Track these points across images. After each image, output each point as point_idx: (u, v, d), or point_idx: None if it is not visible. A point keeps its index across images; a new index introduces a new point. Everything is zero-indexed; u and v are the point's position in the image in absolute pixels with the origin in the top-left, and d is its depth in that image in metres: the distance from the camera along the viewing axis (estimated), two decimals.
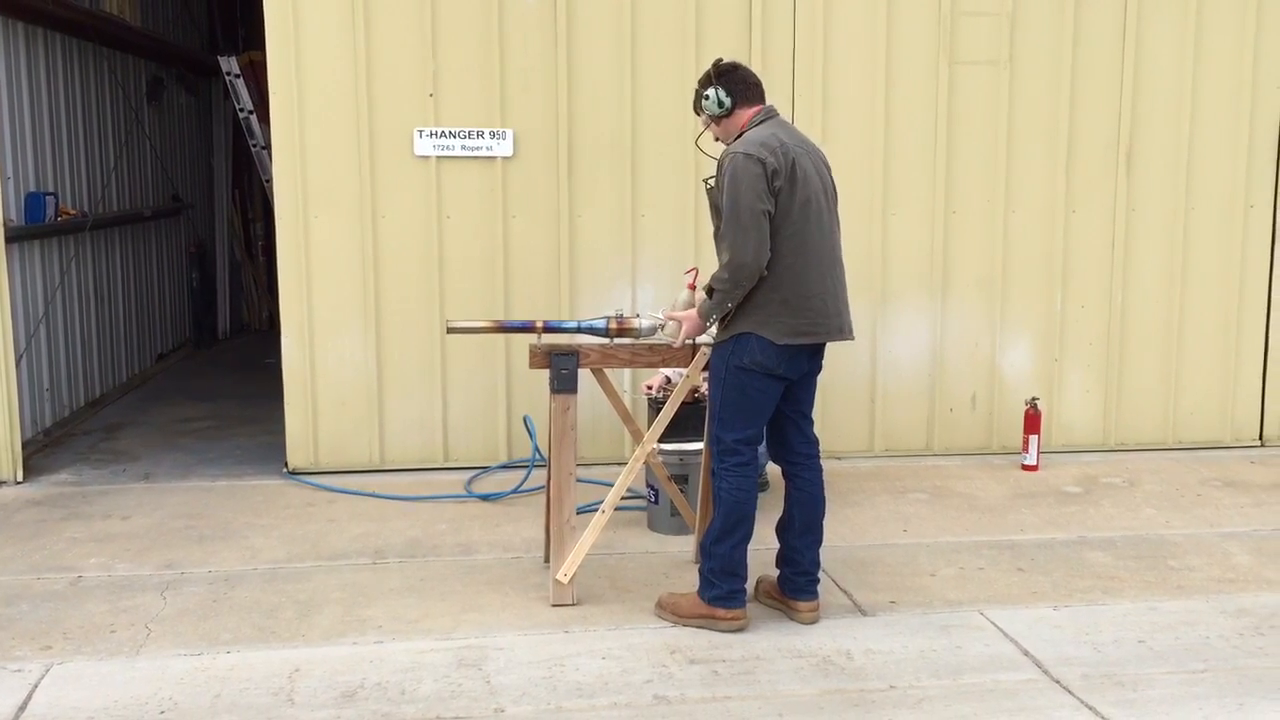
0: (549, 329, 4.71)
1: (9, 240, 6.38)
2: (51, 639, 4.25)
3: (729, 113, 4.30)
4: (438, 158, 6.29)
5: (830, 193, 4.34)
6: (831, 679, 3.96)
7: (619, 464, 5.97)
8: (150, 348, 9.42)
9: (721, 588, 4.31)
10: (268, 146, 8.50)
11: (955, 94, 6.61)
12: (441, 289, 6.37)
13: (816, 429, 4.54)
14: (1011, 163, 6.69)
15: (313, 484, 6.22)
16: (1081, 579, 4.91)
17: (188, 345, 10.45)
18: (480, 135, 6.30)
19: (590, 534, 4.57)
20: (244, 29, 11.49)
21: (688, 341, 4.52)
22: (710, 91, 4.29)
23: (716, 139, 4.43)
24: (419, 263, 6.35)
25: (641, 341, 4.65)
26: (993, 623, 4.44)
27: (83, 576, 4.89)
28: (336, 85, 6.18)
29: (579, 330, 4.70)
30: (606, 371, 4.79)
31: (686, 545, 5.19)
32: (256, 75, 9.22)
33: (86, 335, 7.92)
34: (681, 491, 5.17)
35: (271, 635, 4.30)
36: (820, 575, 4.50)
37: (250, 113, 9.58)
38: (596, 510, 4.66)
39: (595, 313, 6.23)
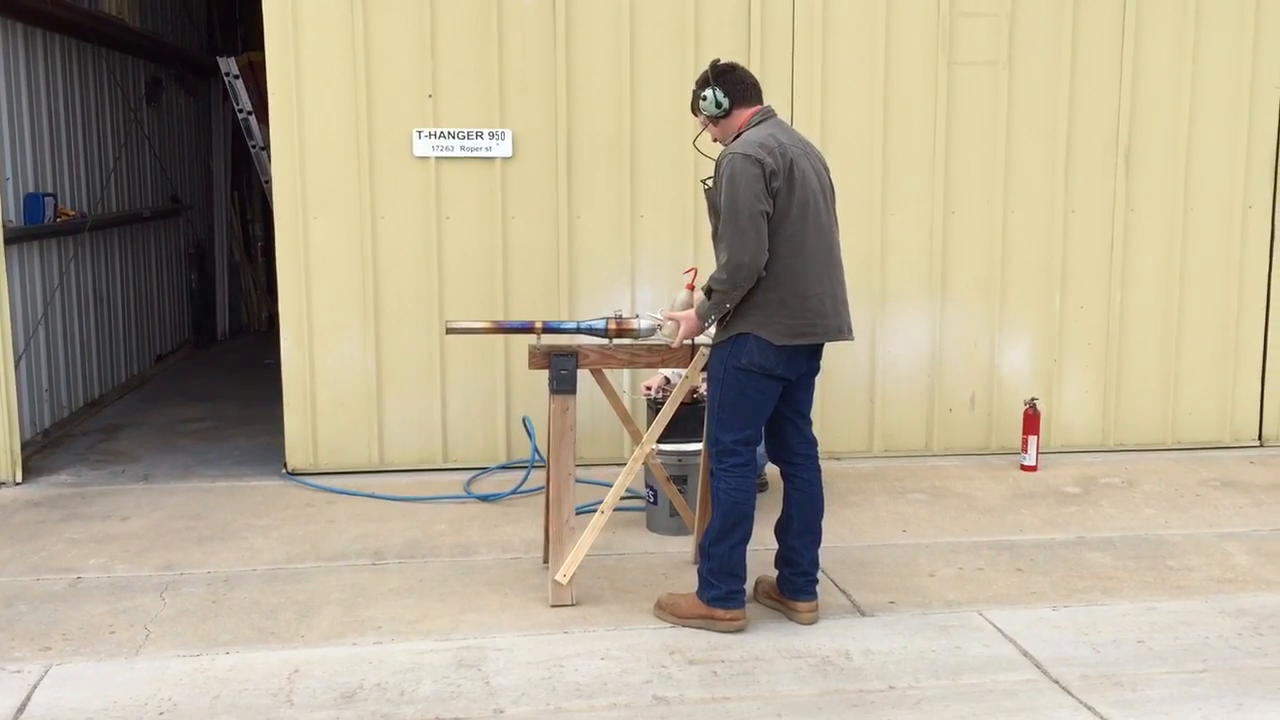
0: (548, 330, 4.71)
1: (8, 241, 6.39)
2: (51, 640, 4.25)
3: (727, 113, 4.30)
4: (437, 158, 6.30)
5: (828, 193, 4.34)
6: (830, 679, 3.96)
7: (618, 465, 5.97)
8: (149, 349, 9.42)
9: (720, 588, 4.31)
10: (267, 147, 8.50)
11: (954, 94, 6.61)
12: (440, 290, 6.38)
13: (815, 429, 4.54)
14: (1010, 163, 6.69)
15: (312, 485, 6.22)
16: (1080, 579, 4.91)
17: (187, 346, 10.45)
18: (479, 136, 6.31)
19: (589, 535, 4.57)
20: (243, 30, 11.50)
21: (686, 342, 4.52)
22: (708, 92, 4.29)
23: (714, 140, 4.43)
24: (418, 263, 6.35)
25: (641, 342, 4.65)
26: (992, 623, 4.44)
27: (82, 577, 4.89)
28: (336, 86, 6.19)
29: (578, 331, 4.70)
30: (605, 372, 4.80)
31: (685, 546, 5.19)
32: (256, 76, 9.23)
33: (85, 336, 7.92)
34: (680, 492, 5.17)
35: (271, 636, 4.30)
36: (819, 576, 4.50)
37: (249, 114, 9.58)
38: (595, 511, 4.67)
39: (594, 313, 6.23)
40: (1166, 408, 6.99)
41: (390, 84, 6.23)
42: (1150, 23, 6.71)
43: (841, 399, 6.70)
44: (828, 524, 4.57)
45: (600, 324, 4.62)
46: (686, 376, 4.67)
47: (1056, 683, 3.95)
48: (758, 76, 4.45)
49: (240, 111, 9.64)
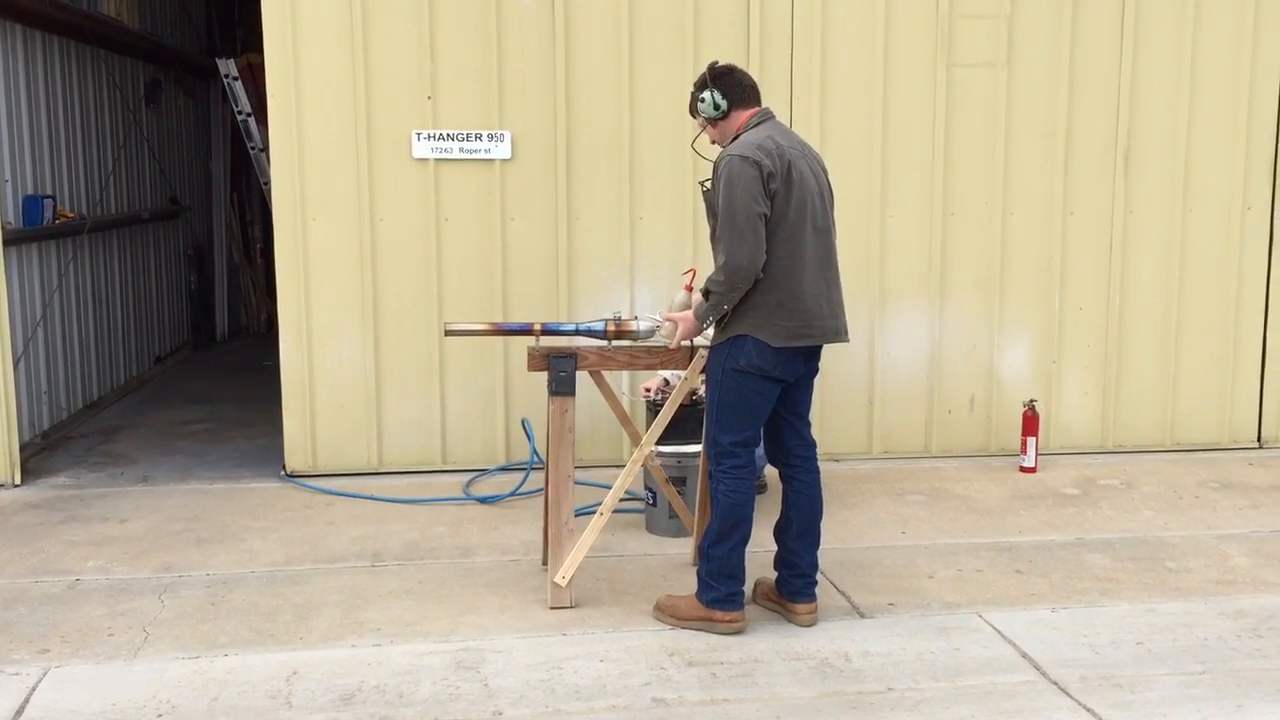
0: (547, 331, 4.71)
1: (7, 243, 6.39)
2: (49, 642, 4.25)
3: (725, 115, 4.30)
4: (436, 160, 6.30)
5: (827, 195, 4.34)
6: (829, 681, 3.96)
7: (617, 466, 5.96)
8: (148, 350, 9.42)
9: (719, 590, 4.31)
10: (266, 149, 8.49)
11: (953, 96, 6.61)
12: (440, 291, 6.38)
13: (814, 431, 4.54)
14: (1009, 165, 6.69)
15: (311, 487, 6.21)
16: (1080, 581, 4.91)
17: (186, 348, 10.45)
18: (478, 138, 6.30)
19: (588, 536, 4.57)
20: (242, 31, 11.50)
21: (685, 343, 4.52)
22: (706, 94, 4.29)
23: (713, 141, 4.43)
24: (417, 265, 6.35)
25: (640, 344, 4.65)
26: (991, 625, 4.44)
27: (80, 579, 4.89)
28: (335, 88, 6.19)
29: (577, 332, 4.70)
30: (605, 374, 4.80)
31: (685, 548, 5.19)
32: (255, 78, 9.22)
33: (84, 338, 7.92)
34: (679, 494, 5.17)
35: (269, 638, 4.30)
36: (818, 577, 4.50)
37: (248, 115, 9.58)
38: (595, 513, 4.67)
39: (593, 315, 6.23)
40: (1166, 409, 6.99)
41: (389, 86, 6.23)
42: (1149, 24, 6.71)
43: (840, 400, 6.70)
44: (827, 526, 4.57)
45: (599, 326, 4.62)
46: (685, 378, 4.67)
47: (1055, 684, 3.95)
48: (757, 78, 4.46)
49: (239, 113, 9.64)
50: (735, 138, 4.27)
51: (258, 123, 9.38)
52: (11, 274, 6.58)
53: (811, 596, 4.45)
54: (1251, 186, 6.91)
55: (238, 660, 4.10)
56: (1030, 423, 6.53)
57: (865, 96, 6.56)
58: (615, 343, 4.64)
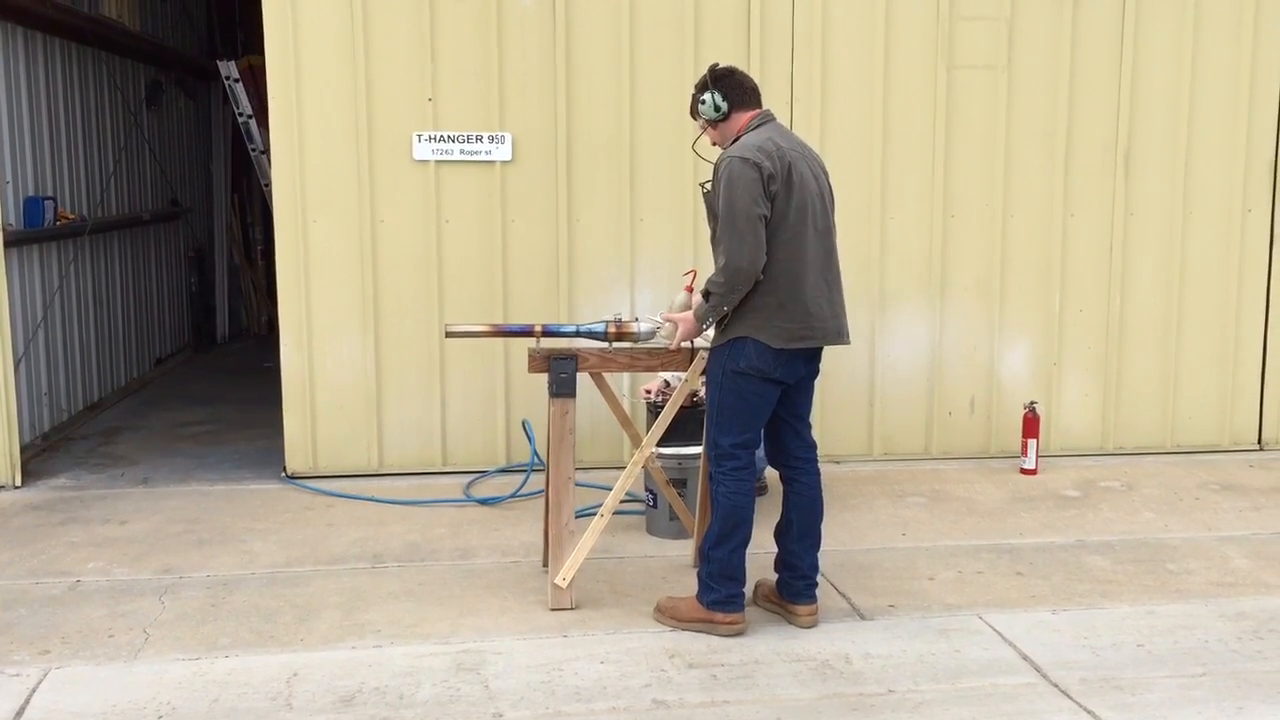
0: (547, 333, 4.71)
1: (8, 245, 6.39)
2: (49, 643, 4.25)
3: (725, 117, 4.30)
4: (436, 162, 6.30)
5: (827, 197, 4.34)
6: (830, 683, 3.96)
7: (618, 468, 5.96)
8: (149, 352, 9.42)
9: (720, 592, 4.31)
10: (267, 151, 8.50)
11: (953, 98, 6.61)
12: (440, 293, 6.38)
13: (815, 433, 4.54)
14: (1010, 166, 6.70)
15: (311, 488, 6.21)
16: (1080, 583, 4.91)
17: (186, 350, 10.45)
18: (479, 140, 6.31)
19: (589, 538, 4.56)
20: (243, 33, 11.50)
21: (685, 344, 4.52)
22: (706, 96, 4.29)
23: (713, 143, 4.44)
24: (418, 267, 6.36)
25: (640, 346, 4.65)
26: (991, 626, 4.44)
27: (81, 581, 4.89)
28: (335, 90, 6.19)
29: (578, 334, 4.70)
30: (605, 375, 4.80)
31: (685, 549, 5.18)
32: (256, 80, 9.23)
33: (85, 340, 7.92)
34: (680, 496, 5.17)
35: (270, 639, 4.30)
36: (819, 579, 4.50)
37: (249, 117, 9.59)
38: (595, 514, 4.66)
39: (594, 317, 6.23)
40: (1166, 411, 6.99)
41: (390, 87, 6.23)
42: (1149, 26, 6.71)
43: (841, 402, 6.70)
44: (827, 527, 4.56)
45: (600, 327, 4.62)
46: (686, 380, 4.67)
47: (1056, 686, 3.95)
48: (757, 80, 4.47)
49: (240, 115, 9.65)
50: (736, 139, 4.27)
51: (258, 125, 9.39)
52: (12, 275, 6.58)
53: (812, 598, 4.45)
54: (1252, 188, 6.91)
55: (238, 662, 4.10)
56: (1030, 424, 6.53)
57: (865, 98, 6.56)
58: (616, 344, 4.64)
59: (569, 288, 6.46)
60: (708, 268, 4.33)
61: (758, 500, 4.54)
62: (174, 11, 10.36)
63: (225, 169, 11.56)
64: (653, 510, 5.47)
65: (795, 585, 4.43)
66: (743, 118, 4.30)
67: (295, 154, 6.20)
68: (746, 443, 4.28)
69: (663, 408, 4.77)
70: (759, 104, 4.36)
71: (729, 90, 4.29)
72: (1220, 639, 4.34)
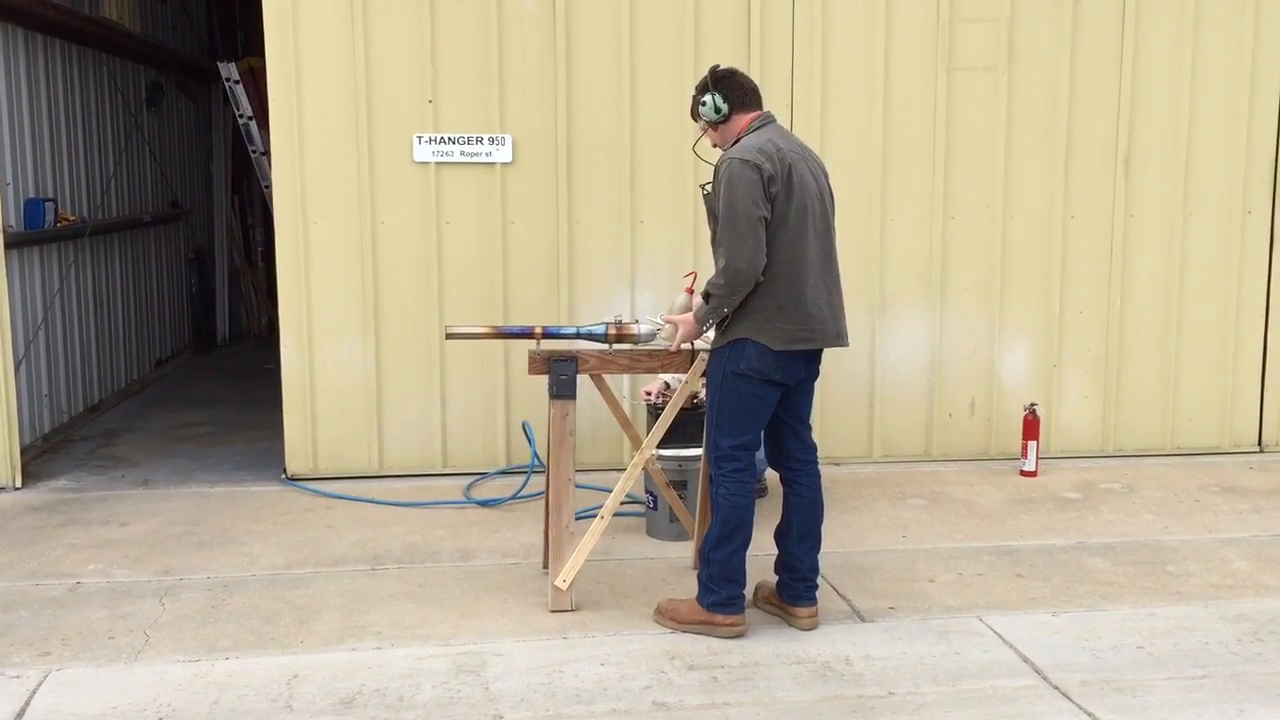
0: (548, 335, 4.71)
1: (8, 246, 6.39)
2: (50, 645, 4.25)
3: (726, 118, 4.30)
4: (437, 164, 6.30)
5: (827, 199, 4.34)
6: (830, 685, 3.96)
7: (618, 470, 5.97)
8: (149, 354, 9.42)
9: (720, 594, 4.31)
10: (267, 152, 8.51)
11: (953, 99, 6.61)
12: (440, 295, 6.38)
13: (815, 434, 4.54)
14: (1010, 168, 6.70)
15: (311, 490, 6.21)
16: (1080, 585, 4.91)
17: (187, 351, 10.45)
18: (479, 141, 6.31)
19: (589, 540, 4.56)
20: (243, 35, 11.50)
21: (685, 346, 4.52)
22: (707, 97, 4.30)
23: (714, 145, 4.44)
24: (418, 268, 6.36)
25: (640, 347, 4.66)
26: (991, 629, 4.43)
27: (81, 583, 4.89)
28: (336, 91, 6.19)
29: (578, 336, 4.70)
30: (605, 377, 4.79)
31: (685, 551, 5.18)
32: (256, 81, 9.23)
33: (85, 341, 7.92)
34: (680, 497, 5.17)
35: (270, 641, 4.29)
36: (819, 581, 4.50)
37: (250, 119, 9.59)
38: (595, 516, 4.66)
39: (594, 318, 6.23)
40: (1166, 413, 6.98)
41: (390, 89, 6.23)
42: (1149, 27, 6.71)
43: (841, 404, 6.70)
44: (827, 529, 4.56)
45: (600, 329, 4.63)
46: (686, 382, 4.67)
47: (1056, 689, 3.95)
48: (757, 82, 4.47)
49: (240, 117, 9.65)
50: (736, 141, 4.27)
51: (259, 126, 9.39)
52: (13, 277, 6.59)
53: (812, 600, 4.45)
54: (1252, 190, 6.91)
55: (238, 663, 4.10)
56: (1031, 426, 6.53)
57: (866, 99, 6.56)
58: (616, 346, 4.64)
59: (569, 289, 6.46)
60: (708, 269, 4.33)
61: (758, 502, 4.54)
62: (174, 13, 10.37)
63: (225, 170, 11.56)
64: (653, 512, 5.47)
65: (795, 587, 4.43)
66: (743, 119, 4.30)
67: (295, 155, 6.20)
68: (746, 444, 4.28)
69: (663, 409, 4.77)
70: (760, 106, 4.36)
71: (729, 92, 4.29)
72: (1220, 641, 4.34)
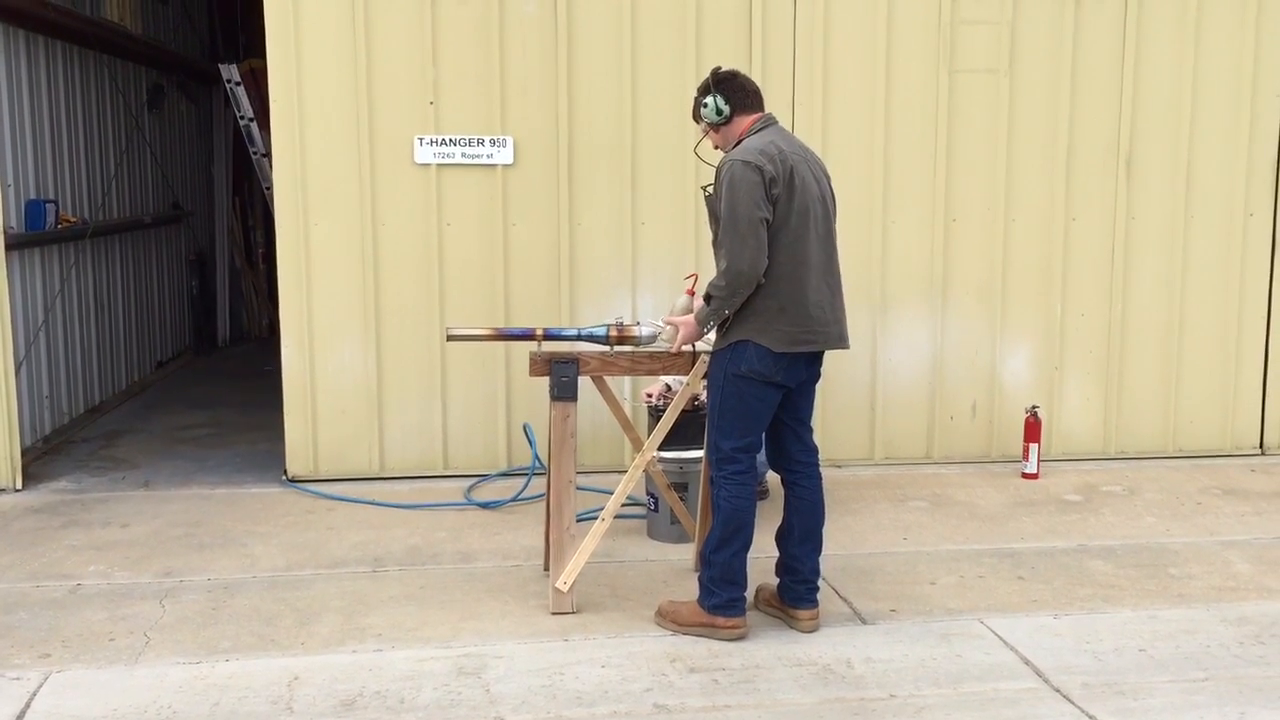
0: (549, 336, 4.71)
1: (9, 248, 6.38)
2: (50, 647, 4.24)
3: (727, 120, 4.30)
4: (438, 165, 6.30)
5: (829, 201, 4.34)
6: (831, 687, 3.96)
7: (619, 472, 5.97)
8: (150, 355, 9.42)
9: (721, 596, 4.30)
10: (268, 154, 8.50)
11: (955, 102, 6.61)
12: (441, 296, 6.38)
13: (816, 437, 4.54)
14: (1011, 170, 6.70)
15: (312, 492, 6.21)
16: (1082, 587, 4.90)
17: (187, 353, 10.45)
18: (480, 143, 6.31)
19: (590, 542, 4.56)
20: (244, 36, 11.50)
21: (686, 348, 4.52)
22: (709, 99, 4.29)
23: (715, 146, 4.43)
24: (419, 270, 6.36)
25: (642, 349, 4.65)
26: (993, 631, 4.43)
27: (81, 584, 4.88)
28: (337, 93, 6.19)
29: (579, 338, 4.70)
30: (606, 379, 4.79)
31: (686, 553, 5.18)
32: (257, 83, 9.22)
33: (86, 343, 7.92)
34: (681, 499, 5.17)
35: (271, 643, 4.29)
36: (820, 583, 4.50)
37: (251, 120, 9.59)
38: (596, 518, 4.66)
39: (595, 320, 6.23)
40: (1167, 415, 6.98)
41: (391, 91, 6.23)
42: (1150, 30, 6.71)
43: (842, 406, 6.69)
44: (829, 531, 4.56)
45: (601, 331, 4.62)
46: (687, 384, 4.67)
47: (1058, 691, 3.94)
48: (759, 83, 4.46)
49: (242, 118, 9.65)
50: (738, 143, 4.27)
51: (260, 127, 9.39)
52: (14, 278, 6.59)
53: (813, 602, 4.44)
54: (1254, 192, 6.90)
55: (239, 665, 4.10)
56: (1032, 429, 6.52)
57: (867, 101, 6.56)
58: (617, 348, 4.64)
59: (570, 291, 6.46)
60: (709, 271, 4.32)
61: (759, 504, 4.53)
62: (175, 15, 10.37)
63: (226, 172, 11.56)
64: (654, 514, 5.47)
65: (796, 589, 4.43)
66: (745, 121, 4.30)
67: (296, 157, 6.20)
68: (748, 446, 4.28)
69: (664, 411, 4.77)
70: (761, 107, 4.36)
71: (731, 94, 4.29)
72: (1222, 644, 4.33)
